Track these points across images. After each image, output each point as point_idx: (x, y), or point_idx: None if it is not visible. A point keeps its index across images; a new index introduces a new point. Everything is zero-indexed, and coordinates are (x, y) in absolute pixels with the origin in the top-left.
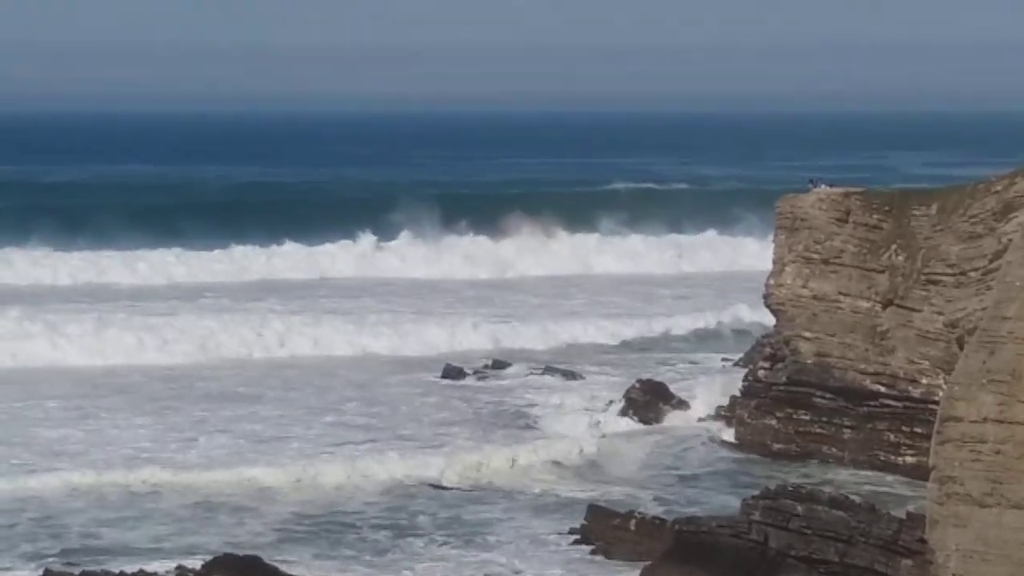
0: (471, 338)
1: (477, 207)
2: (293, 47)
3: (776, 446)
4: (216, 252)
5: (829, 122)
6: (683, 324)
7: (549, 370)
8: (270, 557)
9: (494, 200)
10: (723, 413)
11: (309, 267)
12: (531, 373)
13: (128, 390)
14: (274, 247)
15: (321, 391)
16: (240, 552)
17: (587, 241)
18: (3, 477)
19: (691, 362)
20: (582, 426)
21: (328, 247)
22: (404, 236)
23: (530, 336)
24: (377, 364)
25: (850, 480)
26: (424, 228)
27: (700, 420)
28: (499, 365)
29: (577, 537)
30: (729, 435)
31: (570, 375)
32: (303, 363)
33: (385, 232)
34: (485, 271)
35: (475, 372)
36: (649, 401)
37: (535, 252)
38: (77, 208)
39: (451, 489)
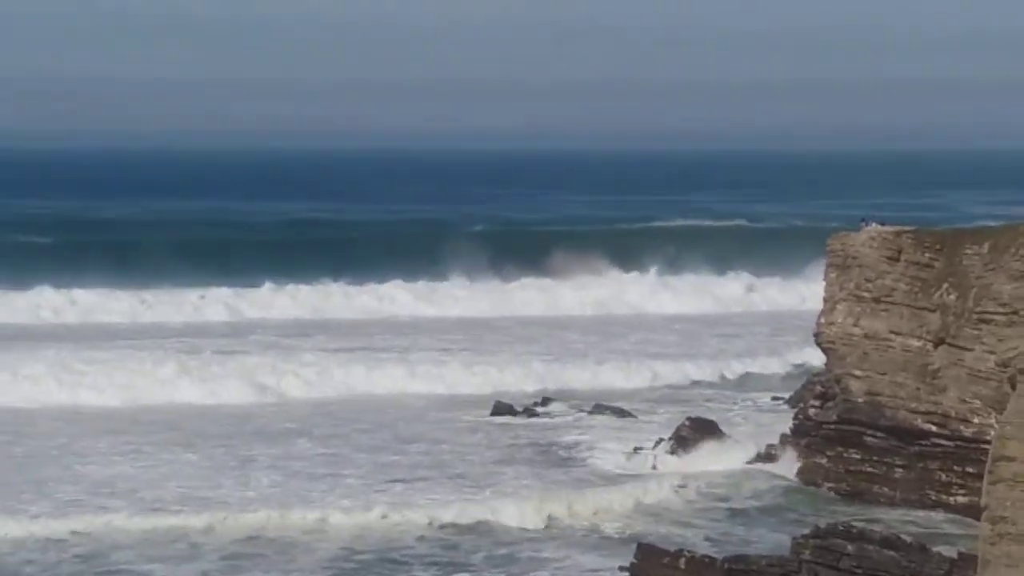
0: (521, 377)
1: (532, 244)
2: (339, 82)
3: (827, 485)
4: (267, 288)
5: (885, 159)
6: (734, 366)
7: (598, 408)
8: None
9: (552, 236)
10: (773, 451)
11: (359, 305)
12: (580, 411)
13: (177, 427)
14: (324, 285)
15: (372, 428)
16: None
17: (638, 279)
18: (52, 514)
19: (741, 400)
20: (632, 464)
21: (377, 286)
22: (455, 274)
23: (579, 375)
24: (427, 402)
25: (900, 519)
26: (474, 266)
27: (750, 459)
28: (548, 402)
29: (627, 575)
30: (779, 473)
31: (620, 413)
32: (353, 401)
33: (435, 270)
34: (536, 309)
35: (525, 409)
36: (699, 439)
37: (586, 290)
38: (130, 244)
39: (503, 527)
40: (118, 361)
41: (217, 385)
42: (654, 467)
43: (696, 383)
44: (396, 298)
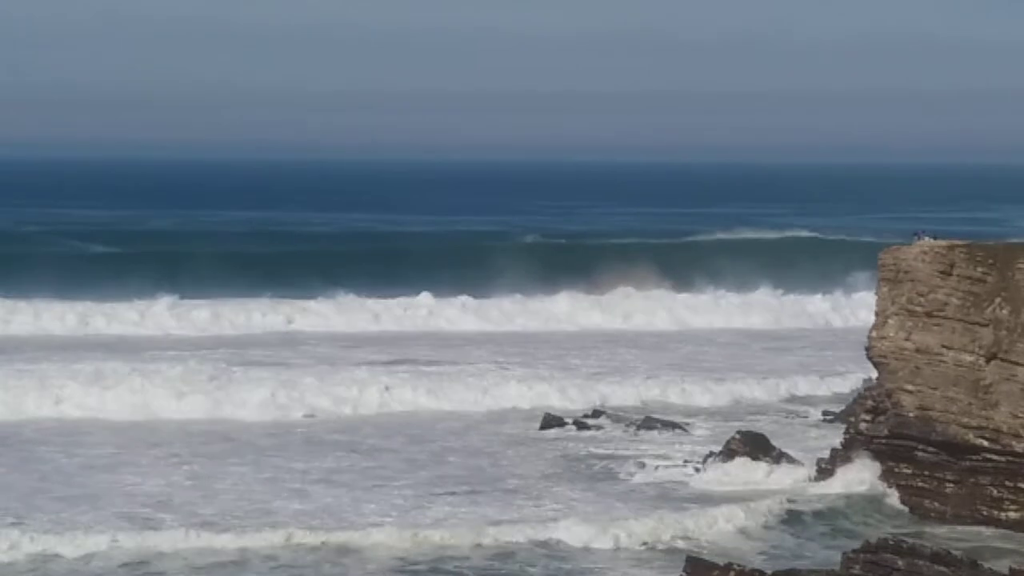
0: (568, 391)
1: (583, 257)
2: (391, 94)
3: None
4: (317, 300)
5: (939, 173)
6: (784, 382)
7: (648, 421)
8: None
9: (606, 250)
10: (824, 465)
11: (405, 318)
12: (631, 424)
13: (230, 439)
14: (372, 297)
15: (421, 441)
16: None
17: (692, 297)
18: (105, 531)
19: (791, 414)
20: (683, 477)
21: (426, 298)
22: (503, 288)
23: (629, 390)
24: (476, 415)
25: (951, 534)
26: (523, 280)
27: (802, 473)
28: (599, 415)
29: None
30: (831, 487)
31: (669, 426)
32: (401, 415)
33: (483, 284)
34: (587, 323)
35: (575, 422)
36: (749, 452)
37: (638, 305)
38: (174, 255)
39: (553, 540)
40: (158, 373)
41: (263, 397)
42: (704, 480)
43: (747, 398)
44: (442, 311)
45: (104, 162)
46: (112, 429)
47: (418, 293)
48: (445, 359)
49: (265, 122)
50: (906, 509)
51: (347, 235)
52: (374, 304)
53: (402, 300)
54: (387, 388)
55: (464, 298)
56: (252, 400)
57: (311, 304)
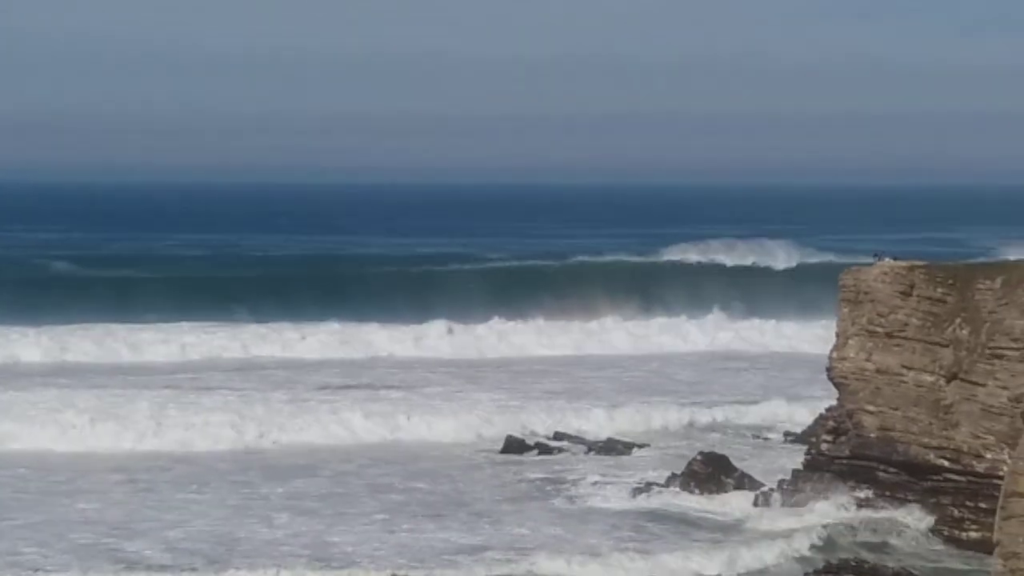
0: (534, 416)
1: (550, 281)
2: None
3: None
4: (279, 327)
5: (903, 194)
6: (743, 404)
7: (610, 443)
8: None
9: (566, 273)
10: (785, 487)
11: (365, 345)
12: (592, 448)
13: (192, 465)
14: (307, 324)
15: (385, 466)
16: None
17: (659, 320)
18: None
19: (753, 435)
20: (646, 500)
21: (400, 326)
22: (477, 314)
23: (592, 414)
24: (439, 443)
25: (913, 555)
26: (487, 306)
27: (762, 493)
28: (561, 438)
29: None
30: (793, 507)
31: (630, 447)
32: (365, 442)
33: (460, 311)
34: (558, 349)
35: (536, 445)
36: (711, 474)
37: (609, 328)
38: (138, 281)
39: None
40: (116, 401)
41: (228, 423)
42: (666, 501)
43: (707, 420)
44: (407, 340)
45: (65, 185)
46: (70, 457)
47: (372, 321)
48: (402, 383)
49: (222, 145)
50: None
51: (296, 259)
52: (333, 329)
53: (348, 328)
54: (346, 416)
55: (434, 327)
56: (214, 427)
57: (270, 330)
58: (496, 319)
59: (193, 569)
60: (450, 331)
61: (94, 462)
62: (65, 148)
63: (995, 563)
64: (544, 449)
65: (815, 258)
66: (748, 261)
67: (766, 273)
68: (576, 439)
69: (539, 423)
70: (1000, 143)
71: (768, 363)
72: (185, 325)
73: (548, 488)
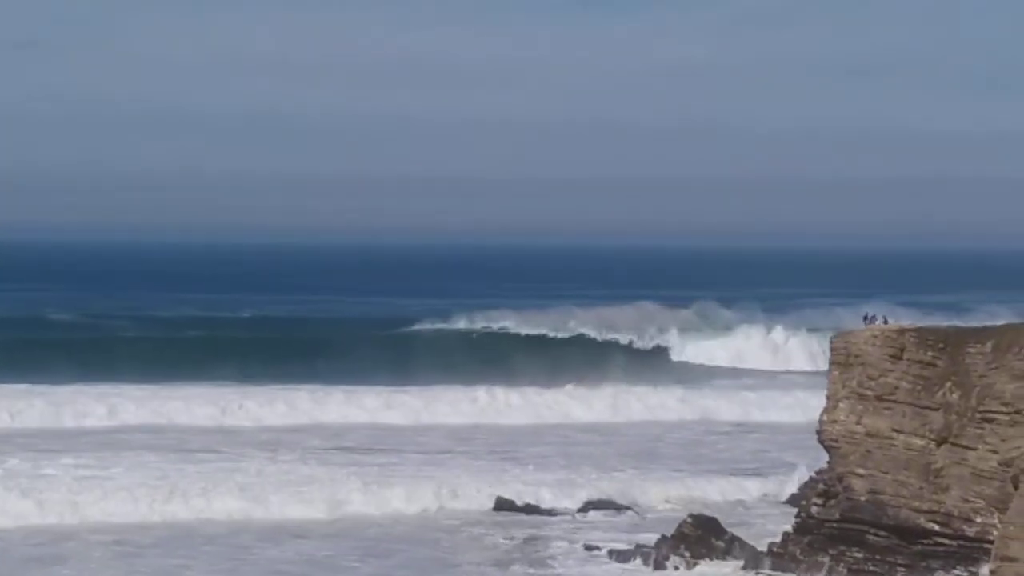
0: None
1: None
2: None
3: None
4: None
5: (898, 258)
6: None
7: (599, 503)
8: None
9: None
10: (775, 550)
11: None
12: (583, 508)
13: (182, 535)
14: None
15: (368, 528)
16: None
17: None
18: None
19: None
20: (635, 566)
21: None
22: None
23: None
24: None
25: None
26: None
27: (752, 557)
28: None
29: None
30: (782, 572)
31: (618, 509)
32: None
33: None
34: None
35: (526, 506)
36: (701, 536)
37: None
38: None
39: None
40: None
41: (200, 495)
42: (659, 566)
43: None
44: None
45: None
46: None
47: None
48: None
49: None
50: None
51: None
52: (282, 394)
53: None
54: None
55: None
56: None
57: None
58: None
59: None
60: None
61: None
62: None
63: None
64: (532, 510)
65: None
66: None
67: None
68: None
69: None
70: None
71: None
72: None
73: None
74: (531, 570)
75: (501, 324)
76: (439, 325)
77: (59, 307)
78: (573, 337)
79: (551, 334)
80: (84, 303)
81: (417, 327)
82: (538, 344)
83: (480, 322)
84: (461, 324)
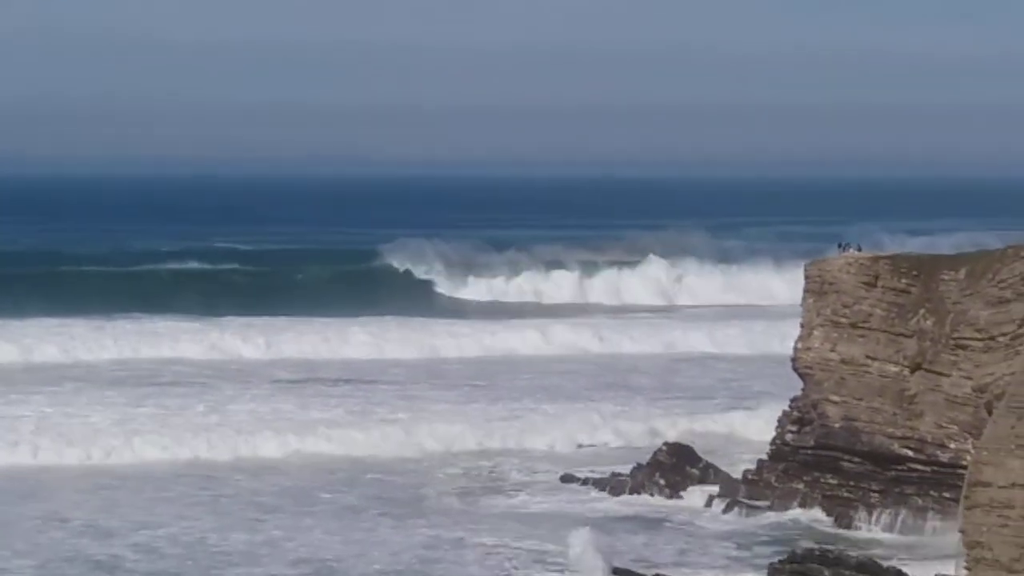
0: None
1: None
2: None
3: (803, 510)
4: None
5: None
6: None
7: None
8: None
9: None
10: (750, 476)
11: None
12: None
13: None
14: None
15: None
16: None
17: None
18: None
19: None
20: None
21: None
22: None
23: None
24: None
25: (876, 544)
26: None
27: (727, 483)
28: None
29: None
30: (757, 499)
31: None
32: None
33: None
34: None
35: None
36: (676, 464)
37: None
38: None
39: None
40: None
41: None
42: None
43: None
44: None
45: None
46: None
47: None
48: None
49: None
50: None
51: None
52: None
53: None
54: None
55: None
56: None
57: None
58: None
59: None
60: None
61: None
62: None
63: (959, 551)
64: None
65: None
66: None
67: None
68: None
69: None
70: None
71: None
72: None
73: None
74: (493, 499)
75: None
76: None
77: (28, 241)
78: None
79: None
80: (47, 235)
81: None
82: None
83: None
84: None
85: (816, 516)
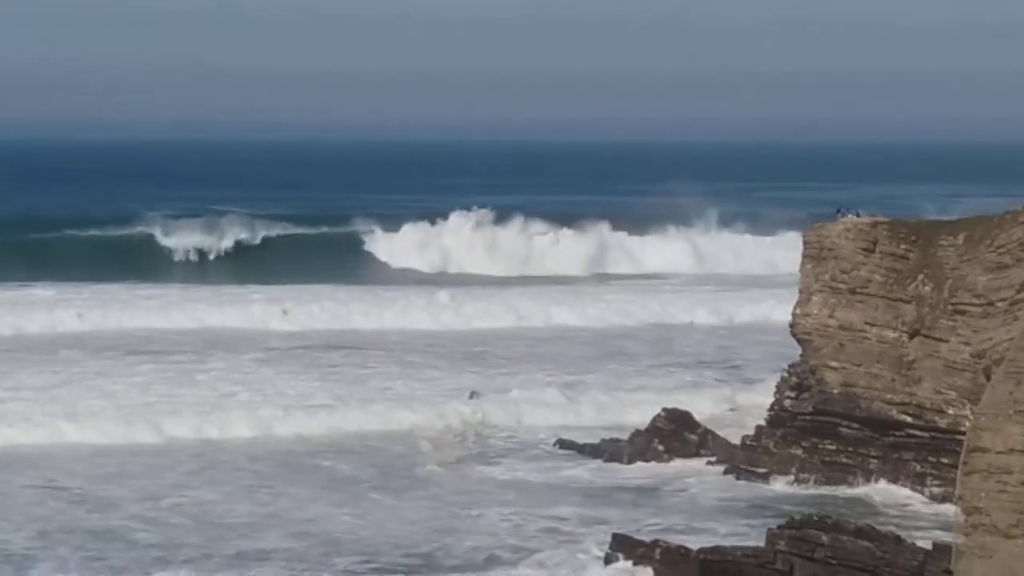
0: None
1: None
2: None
3: (802, 476)
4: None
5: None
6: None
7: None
8: None
9: None
10: (749, 443)
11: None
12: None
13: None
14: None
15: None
16: None
17: None
18: None
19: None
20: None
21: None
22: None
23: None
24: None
25: (875, 509)
26: None
27: (725, 450)
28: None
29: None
30: (755, 465)
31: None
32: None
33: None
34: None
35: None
36: (675, 430)
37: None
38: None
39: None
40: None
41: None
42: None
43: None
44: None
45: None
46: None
47: None
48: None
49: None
50: (831, 485)
51: None
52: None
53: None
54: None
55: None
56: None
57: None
58: None
59: None
60: None
61: None
62: None
63: (957, 517)
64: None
65: None
66: None
67: None
68: None
69: None
70: None
71: None
72: None
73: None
74: (491, 469)
75: None
76: None
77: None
78: None
79: None
80: (18, 201)
81: None
82: None
83: None
84: None
85: (814, 482)
